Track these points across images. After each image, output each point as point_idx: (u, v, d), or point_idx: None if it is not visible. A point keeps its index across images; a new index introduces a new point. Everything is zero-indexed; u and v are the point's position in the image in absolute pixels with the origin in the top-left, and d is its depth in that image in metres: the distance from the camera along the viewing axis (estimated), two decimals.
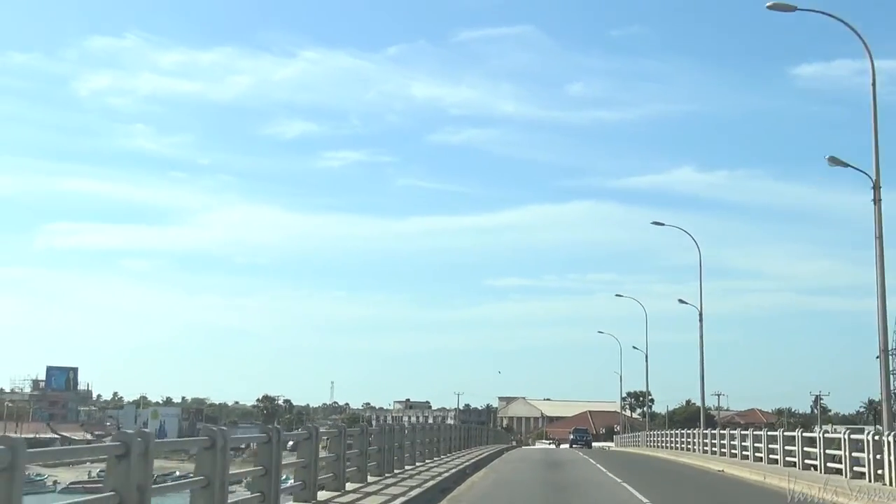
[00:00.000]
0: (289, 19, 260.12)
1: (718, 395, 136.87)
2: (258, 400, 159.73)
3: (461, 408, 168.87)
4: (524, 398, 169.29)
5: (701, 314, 43.89)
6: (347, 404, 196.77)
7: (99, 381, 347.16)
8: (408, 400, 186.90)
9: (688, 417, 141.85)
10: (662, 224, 48.85)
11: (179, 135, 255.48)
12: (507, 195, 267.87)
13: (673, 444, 50.83)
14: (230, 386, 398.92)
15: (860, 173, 25.41)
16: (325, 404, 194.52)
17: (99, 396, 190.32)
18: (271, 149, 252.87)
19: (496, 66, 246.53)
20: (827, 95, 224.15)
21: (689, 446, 43.99)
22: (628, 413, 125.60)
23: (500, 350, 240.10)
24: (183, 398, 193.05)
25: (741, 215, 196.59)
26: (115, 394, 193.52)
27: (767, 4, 25.11)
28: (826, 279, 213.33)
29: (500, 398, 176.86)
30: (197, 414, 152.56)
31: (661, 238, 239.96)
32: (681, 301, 47.48)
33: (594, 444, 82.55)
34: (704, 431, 40.57)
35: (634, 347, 74.75)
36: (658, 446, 55.72)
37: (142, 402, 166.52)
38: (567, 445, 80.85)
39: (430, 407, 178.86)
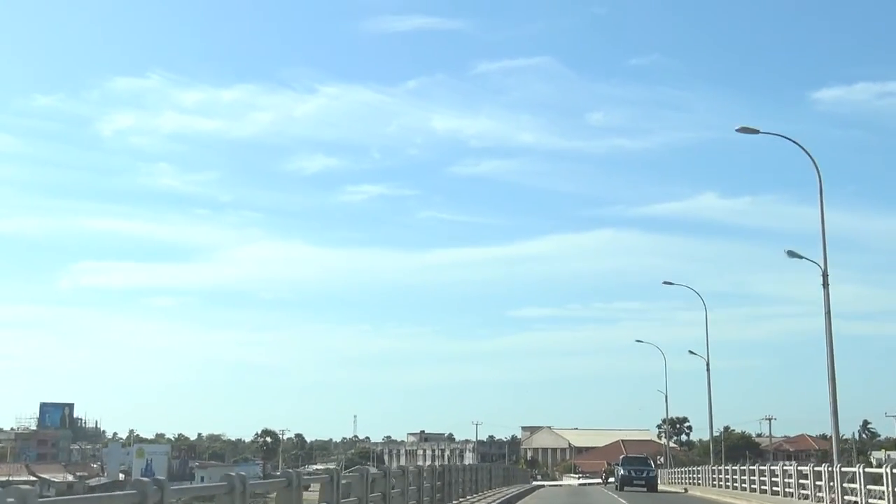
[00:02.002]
0: (308, 55, 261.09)
1: (770, 420, 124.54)
2: (257, 434, 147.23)
3: (483, 439, 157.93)
4: (550, 427, 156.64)
5: (825, 273, 30.25)
6: (368, 437, 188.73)
7: (118, 420, 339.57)
8: (422, 432, 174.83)
9: (731, 446, 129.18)
10: (757, 131, 34.86)
11: (202, 172, 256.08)
12: (529, 225, 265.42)
13: (760, 485, 38.32)
14: (253, 422, 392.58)
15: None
16: (344, 438, 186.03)
17: (115, 434, 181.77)
18: (293, 184, 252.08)
19: (516, 98, 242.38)
20: (849, 119, 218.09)
21: (807, 490, 31.34)
22: (663, 441, 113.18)
23: (526, 380, 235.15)
24: (199, 434, 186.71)
25: (766, 241, 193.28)
26: (132, 431, 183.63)
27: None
28: (856, 303, 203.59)
29: (523, 428, 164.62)
30: (189, 451, 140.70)
31: (688, 265, 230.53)
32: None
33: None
34: (853, 469, 27.17)
35: (691, 352, 62.30)
36: (739, 488, 43.03)
37: (133, 439, 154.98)
38: (612, 484, 57.67)
39: (453, 439, 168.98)
